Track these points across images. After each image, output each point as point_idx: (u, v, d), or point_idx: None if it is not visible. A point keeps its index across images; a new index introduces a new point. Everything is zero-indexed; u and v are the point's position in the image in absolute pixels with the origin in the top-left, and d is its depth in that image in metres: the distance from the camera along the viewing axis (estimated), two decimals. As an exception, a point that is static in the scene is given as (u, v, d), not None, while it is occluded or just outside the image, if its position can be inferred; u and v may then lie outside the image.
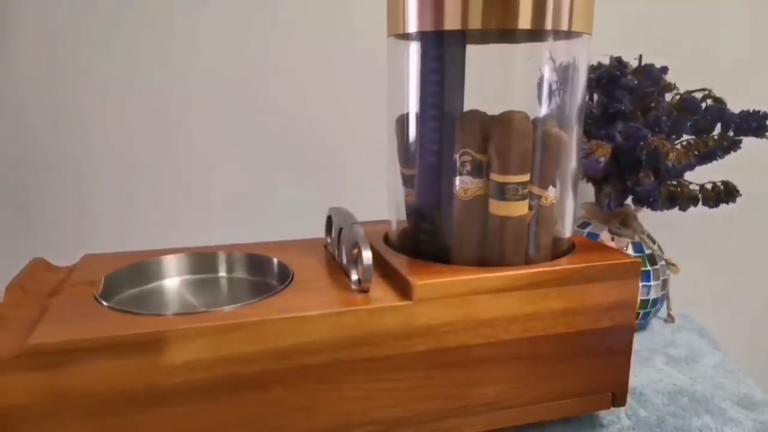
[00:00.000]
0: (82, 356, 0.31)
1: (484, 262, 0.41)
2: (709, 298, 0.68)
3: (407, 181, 0.45)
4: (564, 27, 0.38)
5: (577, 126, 0.43)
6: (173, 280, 0.45)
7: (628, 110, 0.56)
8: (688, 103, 0.56)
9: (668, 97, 0.58)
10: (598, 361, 0.42)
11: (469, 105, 0.41)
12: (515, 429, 0.42)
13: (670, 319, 0.64)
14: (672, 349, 0.58)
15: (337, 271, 0.42)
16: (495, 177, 0.40)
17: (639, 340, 0.59)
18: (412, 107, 0.43)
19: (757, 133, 0.53)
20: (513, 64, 0.43)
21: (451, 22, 0.37)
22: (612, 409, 0.46)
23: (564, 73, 0.42)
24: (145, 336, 0.32)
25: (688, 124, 0.56)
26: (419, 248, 0.43)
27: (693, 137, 0.56)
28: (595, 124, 0.58)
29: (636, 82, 0.57)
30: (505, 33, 0.39)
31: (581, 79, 0.43)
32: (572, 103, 0.43)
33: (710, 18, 0.67)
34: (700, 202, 0.56)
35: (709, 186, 0.56)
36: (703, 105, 0.56)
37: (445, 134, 0.41)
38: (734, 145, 0.54)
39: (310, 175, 0.72)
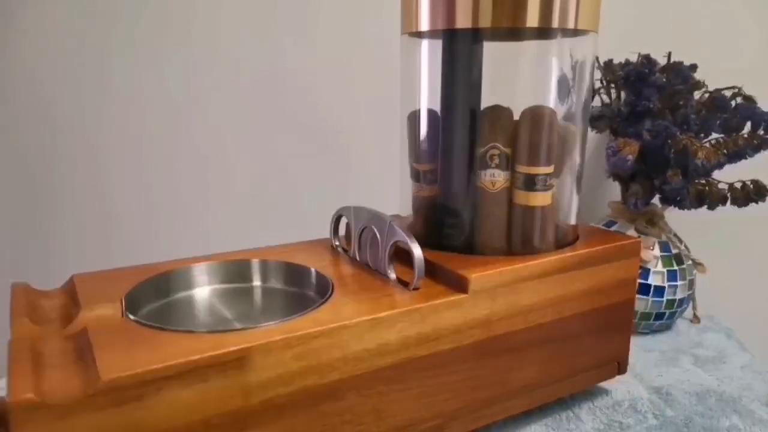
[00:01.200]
0: (161, 386, 0.28)
1: (508, 251, 0.43)
2: (734, 299, 0.67)
3: (421, 176, 0.45)
4: (570, 25, 0.40)
5: (582, 122, 0.45)
6: (202, 290, 0.42)
7: (657, 108, 0.56)
8: (717, 101, 0.56)
9: (697, 95, 0.58)
10: (608, 333, 0.46)
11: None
12: None
13: (695, 319, 0.63)
14: (699, 349, 0.57)
15: (365, 271, 0.41)
16: (523, 169, 0.42)
17: (665, 340, 0.59)
18: (426, 103, 0.44)
19: (789, 131, 0.53)
20: (521, 62, 0.44)
21: (463, 20, 0.39)
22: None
23: (571, 70, 0.43)
24: (231, 354, 0.30)
25: (717, 122, 0.56)
26: (441, 241, 0.43)
27: (722, 136, 0.55)
28: (623, 122, 0.58)
29: (665, 79, 0.56)
30: (515, 31, 0.41)
31: (587, 76, 0.44)
32: (579, 99, 0.44)
33: (738, 14, 0.66)
34: (729, 202, 0.55)
35: (738, 185, 0.55)
36: (733, 103, 0.56)
37: (470, 130, 0.42)
38: (764, 144, 0.53)
39: (322, 175, 0.72)
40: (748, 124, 0.55)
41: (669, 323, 0.61)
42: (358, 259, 0.43)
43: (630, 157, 0.55)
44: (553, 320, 0.42)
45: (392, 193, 0.52)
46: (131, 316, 0.34)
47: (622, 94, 0.60)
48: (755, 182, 0.54)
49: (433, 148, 0.44)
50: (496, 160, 0.42)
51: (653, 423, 0.45)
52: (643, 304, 0.57)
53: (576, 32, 0.42)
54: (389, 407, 0.36)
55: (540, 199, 0.42)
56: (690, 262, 0.59)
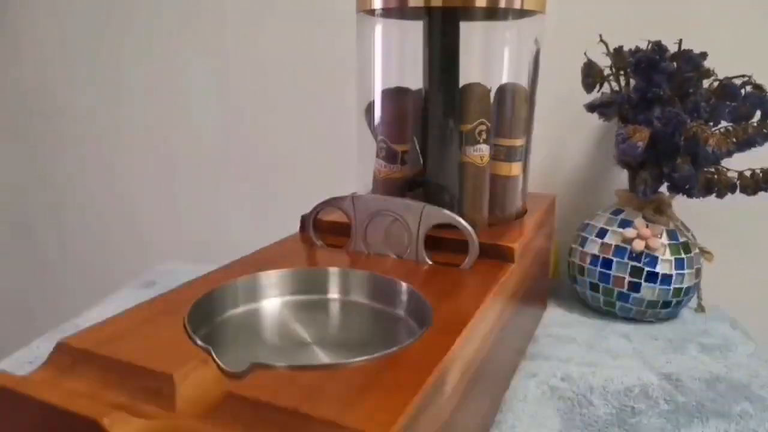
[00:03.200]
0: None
1: (489, 221, 0.47)
2: (739, 289, 0.67)
3: (399, 156, 0.46)
4: (517, 6, 0.43)
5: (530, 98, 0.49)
6: (272, 303, 0.38)
7: (667, 95, 0.56)
8: (727, 89, 0.56)
9: (706, 83, 0.58)
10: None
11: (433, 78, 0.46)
12: None
13: (700, 308, 0.63)
14: (705, 338, 0.57)
15: (395, 263, 0.41)
16: (505, 142, 0.46)
17: (671, 329, 0.59)
18: (380, 82, 0.47)
19: (799, 120, 0.53)
20: (473, 41, 0.46)
21: None
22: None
23: (521, 49, 0.48)
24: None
25: (727, 110, 0.56)
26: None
27: (731, 124, 0.55)
28: (633, 109, 0.58)
29: (675, 66, 0.56)
30: (467, 10, 0.43)
31: (535, 54, 0.48)
32: (532, 76, 0.49)
33: (749, 3, 0.66)
34: (738, 190, 0.55)
35: (748, 173, 0.55)
36: (743, 91, 0.56)
37: (456, 107, 0.45)
38: (774, 133, 0.53)
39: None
40: (758, 113, 0.55)
41: (675, 312, 0.60)
42: (366, 251, 0.42)
43: (640, 143, 0.55)
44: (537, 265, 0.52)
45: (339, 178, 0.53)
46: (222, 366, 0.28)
47: (631, 82, 0.59)
48: (765, 170, 0.54)
49: (413, 128, 0.45)
50: (484, 135, 0.45)
51: (665, 408, 0.44)
52: (650, 292, 0.57)
53: (523, 12, 0.45)
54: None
55: (516, 168, 0.47)
56: (697, 250, 0.59)
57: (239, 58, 0.75)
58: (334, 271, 0.39)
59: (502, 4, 0.41)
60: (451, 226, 0.41)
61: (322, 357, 0.32)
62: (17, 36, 0.77)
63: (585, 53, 0.61)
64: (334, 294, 0.39)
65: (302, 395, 0.25)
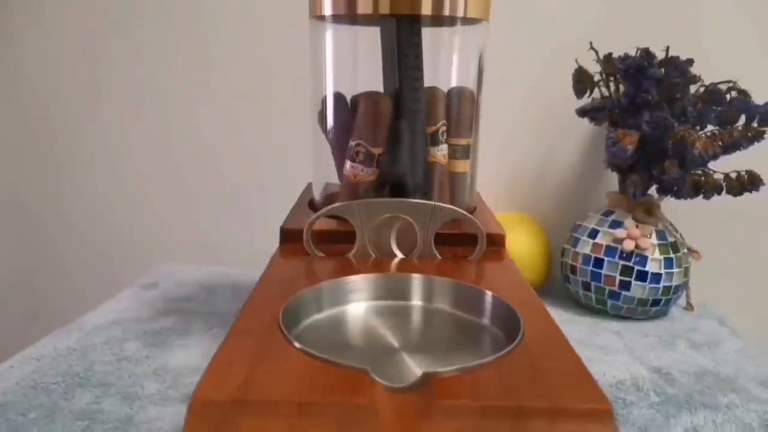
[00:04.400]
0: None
1: None
2: (726, 288, 0.69)
3: (376, 160, 0.46)
4: (460, 14, 0.44)
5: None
6: (356, 306, 0.38)
7: (655, 100, 0.58)
8: (713, 94, 0.58)
9: (693, 89, 0.60)
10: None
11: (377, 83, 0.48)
12: None
13: (689, 307, 0.65)
14: (694, 334, 0.59)
15: (410, 265, 0.42)
16: (462, 141, 0.49)
17: (660, 326, 0.61)
18: (332, 86, 0.48)
19: (782, 124, 0.55)
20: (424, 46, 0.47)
21: (364, 6, 0.42)
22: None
23: (467, 55, 0.50)
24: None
25: (713, 115, 0.58)
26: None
27: (717, 128, 0.57)
28: (622, 113, 0.60)
29: (663, 72, 0.58)
30: (413, 18, 0.44)
31: (479, 59, 0.50)
32: (478, 80, 0.50)
33: (734, 12, 0.69)
34: (724, 191, 0.57)
35: (733, 175, 0.57)
36: (728, 97, 0.58)
37: (424, 110, 0.47)
38: (758, 136, 0.55)
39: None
40: (743, 117, 0.57)
41: (665, 310, 0.62)
42: (373, 255, 0.43)
43: (630, 147, 0.57)
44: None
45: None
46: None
47: (621, 87, 0.61)
48: (749, 172, 0.57)
49: (387, 131, 0.46)
50: (445, 136, 0.48)
51: (655, 400, 0.46)
52: (640, 290, 0.59)
53: (467, 20, 0.46)
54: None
55: (466, 165, 0.50)
56: (685, 250, 0.61)
57: (221, 53, 0.76)
58: (417, 277, 0.39)
59: (446, 12, 0.43)
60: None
61: (412, 363, 0.31)
62: (16, 34, 0.78)
63: (576, 60, 0.63)
64: (417, 300, 0.38)
65: (505, 391, 0.26)
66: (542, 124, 0.73)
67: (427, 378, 0.26)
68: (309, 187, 0.56)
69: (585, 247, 0.62)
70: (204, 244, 0.81)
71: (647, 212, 0.62)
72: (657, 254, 0.59)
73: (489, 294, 0.36)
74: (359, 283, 0.38)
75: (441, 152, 0.47)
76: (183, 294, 0.65)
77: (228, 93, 0.77)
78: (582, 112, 0.64)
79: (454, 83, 0.48)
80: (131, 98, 0.78)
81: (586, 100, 0.64)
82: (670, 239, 0.60)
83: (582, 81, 0.64)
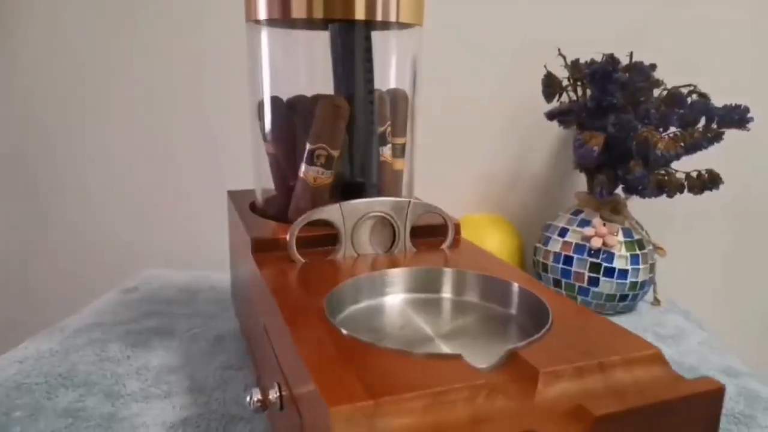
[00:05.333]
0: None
1: None
2: (690, 283, 0.72)
3: (334, 162, 0.46)
4: (393, 18, 0.44)
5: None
6: (392, 299, 0.40)
7: (620, 104, 0.60)
8: (675, 97, 0.60)
9: (656, 92, 0.62)
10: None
11: (302, 87, 0.49)
12: None
13: (656, 302, 0.67)
14: (659, 328, 0.61)
15: (390, 260, 0.43)
16: (396, 140, 0.50)
17: (627, 321, 0.63)
18: (269, 90, 0.49)
19: (739, 125, 0.58)
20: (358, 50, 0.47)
21: (298, 11, 0.43)
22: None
23: (402, 59, 0.51)
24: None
25: (675, 117, 0.60)
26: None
27: (679, 130, 0.60)
28: (589, 116, 0.62)
29: (627, 77, 0.61)
30: (346, 22, 0.45)
31: (413, 62, 0.51)
32: (413, 82, 0.51)
33: (696, 18, 0.72)
34: (686, 190, 0.60)
35: (694, 174, 0.60)
36: (689, 100, 0.60)
37: (373, 110, 0.47)
38: (718, 137, 0.58)
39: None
40: (703, 119, 0.59)
41: (632, 305, 0.65)
42: (355, 255, 0.43)
43: (596, 148, 0.59)
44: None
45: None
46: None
47: (587, 92, 0.64)
48: (710, 171, 0.59)
49: (344, 134, 0.47)
50: (389, 136, 0.49)
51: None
52: (608, 286, 0.61)
53: (400, 25, 0.47)
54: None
55: (402, 164, 0.52)
56: (651, 247, 0.63)
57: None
58: (447, 271, 0.40)
59: (379, 17, 0.43)
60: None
61: (448, 349, 0.33)
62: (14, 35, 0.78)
63: (545, 66, 0.65)
64: (447, 293, 0.40)
65: (581, 353, 0.29)
66: (513, 127, 0.76)
67: (512, 354, 0.29)
68: (238, 193, 0.55)
69: (555, 246, 0.64)
70: (185, 247, 0.82)
71: (614, 211, 0.64)
72: (624, 251, 0.62)
73: (516, 285, 0.38)
74: (391, 277, 0.40)
75: (389, 151, 0.50)
76: (164, 297, 0.66)
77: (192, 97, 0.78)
78: (551, 116, 0.67)
79: (391, 85, 0.50)
80: (78, 100, 0.79)
81: (555, 104, 0.67)
82: (636, 237, 0.63)
83: (551, 86, 0.66)
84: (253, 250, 0.42)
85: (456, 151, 0.78)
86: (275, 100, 0.49)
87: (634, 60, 0.62)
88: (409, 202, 0.44)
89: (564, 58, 0.65)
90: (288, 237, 0.41)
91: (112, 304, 0.64)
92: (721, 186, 0.59)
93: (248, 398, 0.33)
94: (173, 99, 0.78)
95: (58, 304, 0.70)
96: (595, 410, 0.25)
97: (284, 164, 0.50)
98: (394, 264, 0.42)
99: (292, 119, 0.49)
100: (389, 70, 0.50)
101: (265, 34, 0.48)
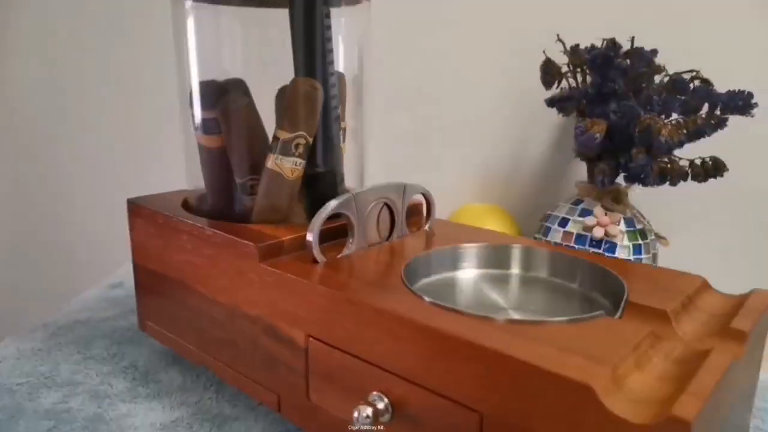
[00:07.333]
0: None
1: None
2: (694, 272, 0.71)
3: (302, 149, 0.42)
4: None
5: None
6: (464, 273, 0.41)
7: (621, 90, 0.59)
8: (677, 83, 0.59)
9: (657, 78, 0.61)
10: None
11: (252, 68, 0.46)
12: None
13: (657, 294, 0.66)
14: (662, 319, 0.60)
15: (396, 246, 0.42)
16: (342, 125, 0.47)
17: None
18: (196, 70, 0.45)
19: (743, 111, 0.56)
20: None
21: None
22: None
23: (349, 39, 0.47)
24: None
25: (677, 103, 0.59)
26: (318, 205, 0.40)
27: (682, 116, 0.58)
28: (590, 103, 0.61)
29: (629, 63, 0.59)
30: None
31: (360, 41, 0.48)
32: (360, 62, 0.49)
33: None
34: (690, 178, 0.58)
35: (698, 162, 0.58)
36: (691, 86, 0.59)
37: (335, 94, 0.44)
38: (721, 123, 0.57)
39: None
40: (706, 105, 0.58)
41: (634, 296, 0.63)
42: (366, 246, 0.41)
43: (598, 135, 0.57)
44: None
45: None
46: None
47: (587, 78, 0.62)
48: (714, 159, 0.58)
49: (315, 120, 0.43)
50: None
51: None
52: (610, 277, 0.60)
53: (348, 1, 0.45)
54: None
55: (346, 147, 0.48)
56: (653, 236, 0.62)
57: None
58: (516, 246, 0.42)
59: None
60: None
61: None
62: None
63: (544, 52, 0.64)
64: (515, 269, 0.42)
65: (660, 300, 0.33)
66: (512, 116, 0.74)
67: (631, 304, 0.33)
68: (145, 199, 0.48)
69: (556, 236, 0.62)
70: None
71: (615, 200, 0.63)
72: (626, 241, 0.60)
73: (586, 260, 0.39)
74: (465, 252, 0.41)
75: (345, 141, 0.48)
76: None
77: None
78: (551, 102, 0.65)
79: (339, 68, 0.45)
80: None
81: (554, 92, 0.65)
82: (639, 226, 0.61)
83: (550, 72, 0.64)
84: (260, 259, 0.37)
85: (453, 141, 0.76)
86: (209, 85, 0.44)
87: (635, 45, 0.60)
88: (405, 185, 0.42)
89: (563, 43, 0.63)
90: (310, 236, 0.37)
91: (96, 300, 0.61)
92: (725, 174, 0.58)
93: (356, 414, 0.31)
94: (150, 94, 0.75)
95: (39, 301, 0.67)
96: (737, 324, 0.30)
97: (236, 157, 0.44)
98: (418, 248, 0.41)
99: (246, 104, 0.44)
100: (337, 51, 0.44)
101: (192, 14, 0.44)
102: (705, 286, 0.36)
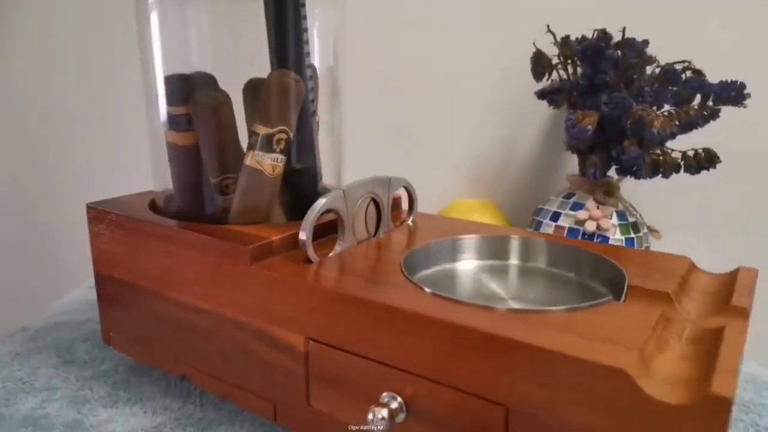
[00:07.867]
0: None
1: None
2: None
3: (284, 145, 0.40)
4: None
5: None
6: (464, 264, 0.41)
7: (613, 81, 0.58)
8: (669, 74, 0.58)
9: (649, 69, 0.60)
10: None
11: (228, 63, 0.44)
12: None
13: (650, 288, 0.65)
14: (656, 314, 0.59)
15: (389, 240, 0.41)
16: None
17: (624, 307, 0.61)
18: (161, 62, 0.42)
19: (736, 102, 0.55)
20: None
21: None
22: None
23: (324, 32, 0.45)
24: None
25: (669, 95, 0.58)
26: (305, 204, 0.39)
27: (674, 108, 0.58)
28: (581, 95, 0.60)
29: (620, 54, 0.58)
30: None
31: (335, 35, 0.46)
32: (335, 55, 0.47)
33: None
34: (683, 170, 0.58)
35: (691, 153, 0.57)
36: (683, 77, 0.58)
37: (313, 87, 0.43)
38: (714, 114, 0.56)
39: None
40: (698, 96, 0.57)
41: (627, 291, 0.63)
42: (356, 242, 0.39)
43: (590, 127, 0.56)
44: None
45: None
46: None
47: (579, 69, 0.61)
48: (706, 150, 0.57)
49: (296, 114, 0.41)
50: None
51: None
52: (603, 271, 0.59)
53: None
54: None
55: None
56: (645, 229, 0.61)
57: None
58: (515, 238, 0.42)
59: None
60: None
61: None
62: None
63: (534, 43, 0.63)
64: (514, 260, 0.42)
65: (660, 283, 0.33)
66: (502, 110, 0.73)
67: (633, 288, 0.33)
68: (107, 203, 0.44)
69: (547, 231, 0.61)
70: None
71: (607, 194, 0.62)
72: (618, 234, 0.59)
73: (586, 251, 0.39)
74: (462, 243, 0.41)
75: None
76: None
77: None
78: (541, 95, 0.64)
79: (314, 61, 0.43)
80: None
81: (545, 84, 0.64)
82: (631, 219, 0.61)
83: (540, 64, 0.63)
84: (251, 261, 0.35)
85: (443, 135, 0.75)
86: (178, 79, 0.42)
87: (626, 36, 0.59)
88: (390, 179, 0.41)
89: (553, 35, 0.62)
90: (304, 235, 0.35)
91: (78, 302, 0.60)
92: (718, 165, 0.57)
93: (371, 416, 0.30)
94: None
95: (18, 304, 0.66)
96: (738, 302, 0.31)
97: (211, 155, 0.42)
98: (409, 242, 0.40)
99: (223, 100, 0.41)
100: (312, 44, 0.43)
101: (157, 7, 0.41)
102: (693, 266, 0.37)
